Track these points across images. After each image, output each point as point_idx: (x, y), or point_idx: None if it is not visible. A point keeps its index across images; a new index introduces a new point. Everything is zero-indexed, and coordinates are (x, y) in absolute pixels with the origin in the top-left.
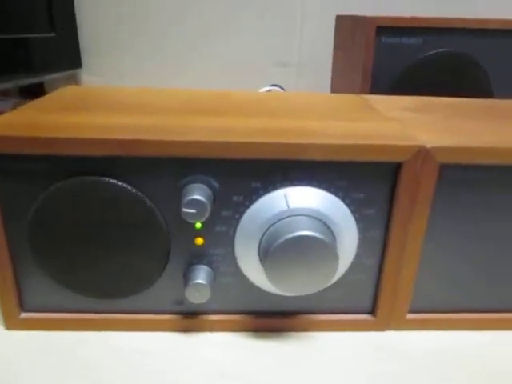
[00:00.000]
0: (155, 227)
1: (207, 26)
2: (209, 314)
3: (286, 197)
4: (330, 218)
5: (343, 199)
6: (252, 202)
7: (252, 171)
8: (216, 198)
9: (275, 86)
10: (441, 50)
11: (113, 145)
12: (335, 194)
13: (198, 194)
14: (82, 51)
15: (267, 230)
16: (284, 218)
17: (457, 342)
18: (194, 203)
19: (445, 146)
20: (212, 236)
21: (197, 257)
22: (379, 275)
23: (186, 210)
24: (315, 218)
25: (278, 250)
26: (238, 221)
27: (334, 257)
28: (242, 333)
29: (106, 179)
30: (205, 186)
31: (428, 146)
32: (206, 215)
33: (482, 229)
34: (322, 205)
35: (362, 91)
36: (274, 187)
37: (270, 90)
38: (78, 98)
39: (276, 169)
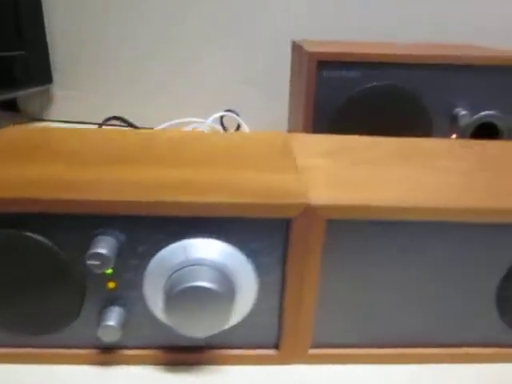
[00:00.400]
0: (69, 275)
1: (182, 48)
2: (125, 348)
3: (185, 248)
4: (228, 267)
5: (240, 249)
6: (156, 251)
7: (155, 225)
8: (123, 249)
9: (229, 111)
10: (379, 83)
11: (25, 203)
12: (233, 244)
13: (101, 247)
14: (52, 66)
15: (169, 277)
16: (183, 268)
17: (356, 375)
18: (97, 256)
19: (329, 204)
20: (122, 281)
21: (110, 299)
22: (280, 315)
23: (90, 262)
24: (213, 268)
25: (175, 298)
26: (144, 268)
27: (227, 305)
28: (156, 366)
29: (20, 232)
30: (111, 238)
31: (314, 204)
32: (110, 266)
33: (372, 273)
34: (220, 255)
35: (306, 120)
36: (176, 239)
37: (223, 116)
38: (6, 143)
39: (178, 222)
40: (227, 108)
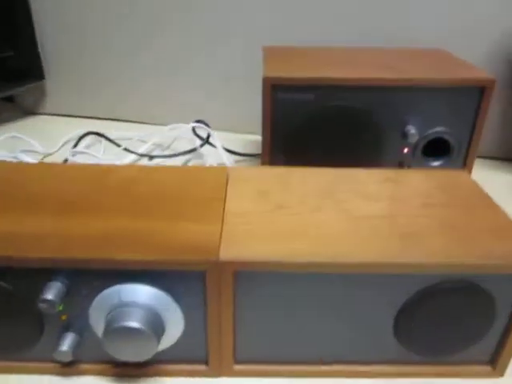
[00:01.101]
0: (29, 311)
1: (166, 53)
2: (81, 363)
3: (119, 292)
4: (156, 307)
5: (167, 292)
6: (97, 293)
7: (94, 274)
8: (69, 291)
9: (199, 121)
10: (332, 104)
11: None
12: (160, 288)
13: (49, 293)
14: (44, 63)
15: (107, 316)
16: (117, 309)
17: None
18: (46, 301)
19: (235, 260)
20: (72, 314)
21: (64, 327)
22: (206, 339)
23: (40, 305)
24: (142, 309)
25: (110, 334)
26: (88, 305)
27: (153, 340)
28: (107, 377)
29: None
30: (59, 284)
31: (221, 260)
32: (57, 308)
33: (280, 310)
34: (149, 298)
35: (265, 140)
36: (112, 284)
37: (194, 127)
38: None
39: (113, 272)
40: (199, 118)
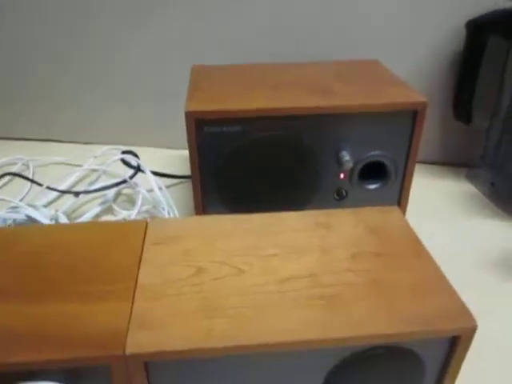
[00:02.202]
0: None
1: (91, 70)
2: None
3: None
4: None
5: None
6: None
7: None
8: None
9: (128, 152)
10: (260, 134)
11: None
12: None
13: None
14: None
15: None
16: None
17: None
18: None
19: (143, 352)
20: None
21: None
22: None
23: None
24: None
25: None
26: None
27: None
28: None
29: None
30: None
31: (128, 352)
32: None
33: None
34: None
35: (194, 174)
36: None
37: (122, 158)
38: None
39: (6, 372)
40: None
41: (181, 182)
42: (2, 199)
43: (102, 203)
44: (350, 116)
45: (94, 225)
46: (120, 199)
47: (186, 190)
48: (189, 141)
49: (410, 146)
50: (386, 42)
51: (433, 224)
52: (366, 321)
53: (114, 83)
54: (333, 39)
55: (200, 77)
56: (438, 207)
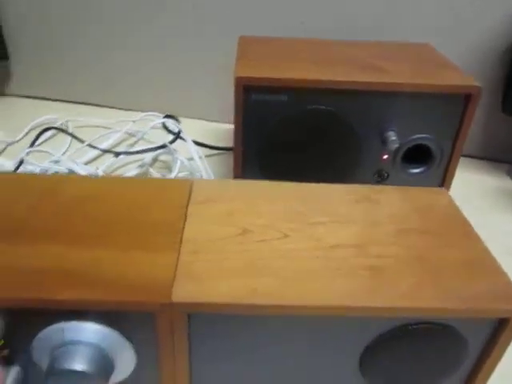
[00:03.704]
0: None
1: (138, 37)
2: None
3: (63, 330)
4: (103, 345)
5: (116, 328)
6: (39, 330)
7: (35, 312)
8: (8, 328)
9: (170, 117)
10: (308, 107)
11: None
12: (108, 326)
13: None
14: (8, 43)
15: (50, 354)
16: (61, 348)
17: None
18: None
19: (189, 301)
20: (15, 349)
21: (7, 361)
22: (159, 377)
23: None
24: (89, 348)
25: (53, 375)
26: (31, 341)
27: (99, 380)
28: None
29: None
30: None
31: (174, 301)
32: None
33: (238, 356)
34: (96, 336)
35: (236, 144)
36: (56, 321)
37: (163, 123)
38: None
39: (53, 310)
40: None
41: (219, 154)
42: (46, 151)
43: (140, 166)
44: (400, 95)
45: (139, 180)
46: (157, 165)
47: (223, 162)
48: (235, 107)
49: (458, 132)
50: (437, 27)
51: (470, 218)
52: (412, 294)
53: (159, 53)
54: (384, 21)
55: (248, 47)
56: (477, 202)
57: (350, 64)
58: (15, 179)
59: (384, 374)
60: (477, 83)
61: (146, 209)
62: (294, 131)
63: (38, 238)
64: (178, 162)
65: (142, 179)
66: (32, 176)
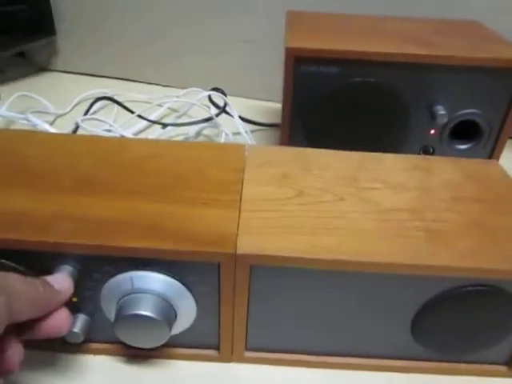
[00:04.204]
0: None
1: (184, 13)
2: (93, 342)
3: (131, 278)
4: (168, 295)
5: (180, 281)
6: (108, 278)
7: (105, 260)
8: (80, 274)
9: (216, 89)
10: (358, 79)
11: None
12: (173, 277)
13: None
14: (55, 18)
15: (118, 301)
16: (130, 295)
17: (286, 377)
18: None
19: (252, 253)
20: (83, 297)
21: (75, 309)
22: (219, 326)
23: None
24: (155, 296)
25: (121, 321)
26: (100, 289)
27: (164, 328)
28: (119, 357)
29: None
30: (69, 267)
31: (238, 253)
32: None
33: (293, 297)
34: (161, 285)
35: (284, 115)
36: (123, 271)
37: (210, 95)
38: None
39: (124, 259)
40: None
41: (263, 130)
42: (100, 119)
43: (185, 139)
44: (450, 68)
45: (197, 143)
46: (200, 139)
47: (268, 138)
48: (285, 79)
49: (508, 109)
50: (488, 8)
51: None
52: (467, 255)
53: (202, 30)
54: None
55: (297, 21)
56: None
57: (400, 38)
58: (80, 139)
59: (435, 337)
60: None
61: (205, 170)
62: (342, 104)
63: (107, 191)
64: (223, 135)
65: (200, 142)
66: (96, 137)
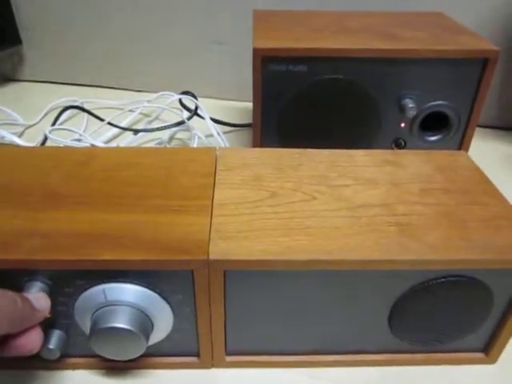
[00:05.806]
0: None
1: (150, 15)
2: (70, 357)
3: (104, 291)
4: (142, 305)
5: (154, 290)
6: (80, 292)
7: (77, 274)
8: (51, 289)
9: (187, 93)
10: (326, 76)
11: None
12: (147, 287)
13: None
14: (20, 27)
15: (93, 314)
16: (103, 308)
17: (268, 378)
18: None
19: (225, 258)
20: (57, 312)
21: (49, 325)
22: (197, 333)
23: None
24: (130, 307)
25: (96, 334)
26: (73, 304)
27: (140, 338)
28: (97, 370)
29: None
30: (39, 283)
31: (211, 258)
32: None
33: (270, 307)
34: (135, 296)
35: (256, 115)
36: (97, 283)
37: (180, 99)
38: None
39: (96, 271)
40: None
41: (235, 131)
42: (68, 129)
43: (158, 144)
44: (417, 61)
45: (164, 149)
46: (174, 143)
47: (241, 139)
48: (254, 80)
49: (475, 98)
50: None
51: None
52: (439, 247)
53: (168, 32)
54: None
55: (263, 20)
56: (492, 170)
57: (366, 33)
58: (46, 152)
59: (411, 329)
60: (494, 47)
61: (175, 176)
62: (313, 102)
63: (76, 204)
64: (196, 138)
65: (170, 148)
66: (63, 148)
